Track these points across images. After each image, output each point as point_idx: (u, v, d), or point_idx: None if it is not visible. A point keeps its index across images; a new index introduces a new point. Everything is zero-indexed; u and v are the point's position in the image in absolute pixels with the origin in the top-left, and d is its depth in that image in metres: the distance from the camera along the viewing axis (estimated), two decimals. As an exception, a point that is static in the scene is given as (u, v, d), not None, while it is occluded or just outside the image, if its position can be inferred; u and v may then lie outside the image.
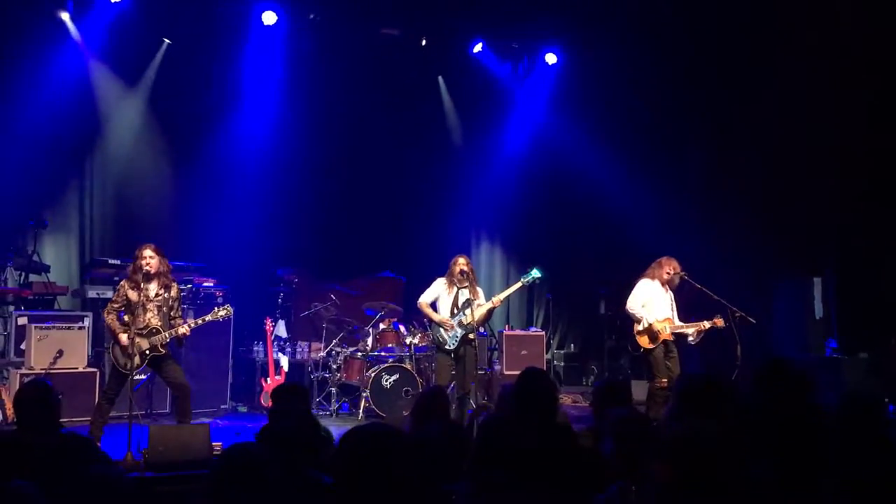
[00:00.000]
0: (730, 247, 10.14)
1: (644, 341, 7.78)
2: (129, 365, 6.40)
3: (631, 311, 7.88)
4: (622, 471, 3.20)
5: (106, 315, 6.66)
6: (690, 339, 7.87)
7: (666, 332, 7.72)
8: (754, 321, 7.78)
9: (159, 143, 10.32)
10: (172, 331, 6.61)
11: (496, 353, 10.68)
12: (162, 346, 6.59)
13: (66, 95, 9.54)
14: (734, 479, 2.65)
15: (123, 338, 6.44)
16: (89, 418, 6.73)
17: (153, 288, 6.63)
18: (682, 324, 7.87)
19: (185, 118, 10.33)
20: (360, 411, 8.82)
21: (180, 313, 6.89)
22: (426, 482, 3.33)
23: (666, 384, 7.48)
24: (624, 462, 3.21)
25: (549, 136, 11.87)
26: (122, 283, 6.76)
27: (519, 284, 7.75)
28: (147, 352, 6.56)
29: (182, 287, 8.94)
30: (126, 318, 6.58)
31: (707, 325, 7.73)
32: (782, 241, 9.88)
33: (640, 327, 7.79)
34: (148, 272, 6.56)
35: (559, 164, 11.82)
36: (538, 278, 7.74)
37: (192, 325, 6.73)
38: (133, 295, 6.57)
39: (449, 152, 12.09)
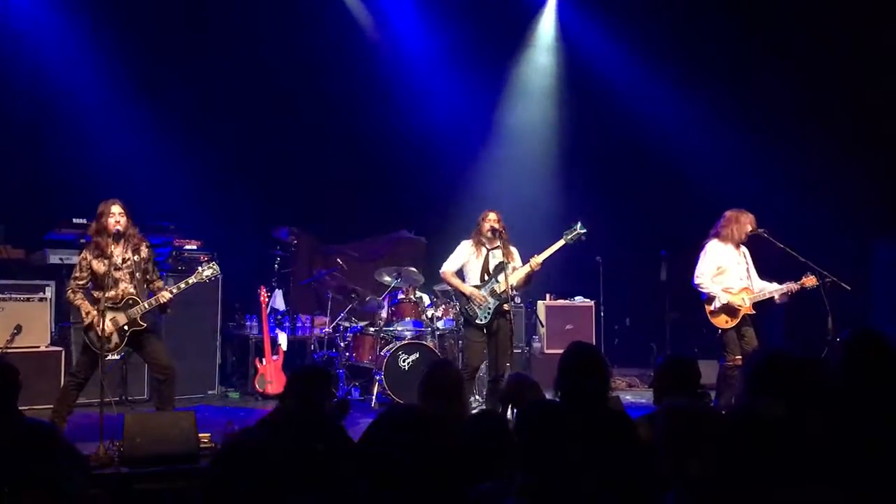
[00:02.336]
0: (820, 196, 10.01)
1: (721, 321, 7.74)
2: (107, 346, 6.47)
3: (702, 289, 7.81)
4: (674, 474, 3.16)
5: (72, 295, 6.65)
6: (778, 299, 7.85)
7: (746, 306, 7.68)
8: (848, 288, 7.70)
9: (130, 77, 10.29)
10: (152, 299, 6.66)
11: (537, 327, 10.69)
12: (142, 318, 6.65)
13: (16, 19, 9.52)
14: (805, 474, 2.59)
15: (95, 320, 6.47)
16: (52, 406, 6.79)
17: (119, 253, 6.66)
18: (763, 289, 7.82)
19: (159, 45, 10.30)
20: (373, 397, 8.87)
21: (158, 274, 6.97)
22: (456, 481, 3.34)
23: (741, 361, 7.47)
24: (675, 463, 3.18)
25: (597, 62, 11.76)
26: (82, 253, 6.77)
27: (561, 242, 7.66)
28: (126, 327, 6.61)
29: (160, 251, 9.04)
30: (95, 293, 6.62)
31: (796, 286, 7.70)
32: (884, 188, 9.72)
33: (714, 306, 7.74)
34: (119, 232, 6.59)
35: (608, 94, 11.71)
36: (583, 234, 7.67)
37: (175, 291, 6.78)
38: (98, 265, 6.60)
39: (476, 84, 11.99)
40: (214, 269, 6.98)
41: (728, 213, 7.93)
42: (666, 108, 11.37)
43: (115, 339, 6.58)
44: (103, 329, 6.40)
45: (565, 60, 12.18)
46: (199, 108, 10.41)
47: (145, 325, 6.67)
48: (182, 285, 6.86)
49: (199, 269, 6.97)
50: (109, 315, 6.50)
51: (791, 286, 7.73)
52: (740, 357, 7.54)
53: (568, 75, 12.09)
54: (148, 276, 6.81)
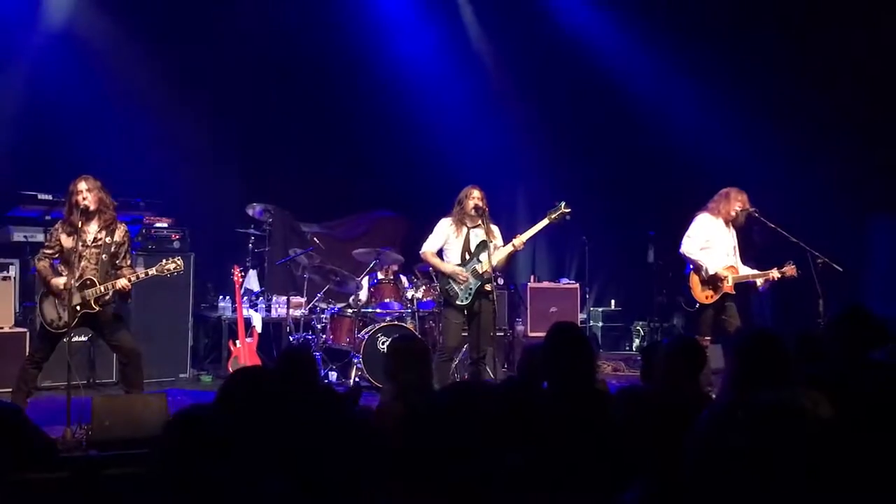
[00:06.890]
0: (814, 171, 10.06)
1: (703, 296, 7.84)
2: (56, 323, 6.48)
3: (689, 257, 7.90)
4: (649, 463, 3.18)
5: (37, 262, 6.66)
6: (760, 286, 7.99)
7: (728, 284, 7.77)
8: (840, 269, 7.78)
9: (99, 48, 10.20)
10: (108, 284, 6.56)
11: (519, 309, 10.73)
12: (96, 302, 6.54)
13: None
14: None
15: (59, 281, 6.46)
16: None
17: (92, 231, 6.62)
18: (748, 272, 7.93)
19: (130, 15, 10.19)
20: (351, 381, 8.89)
21: (129, 261, 6.86)
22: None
23: (709, 343, 7.65)
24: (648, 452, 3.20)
25: (582, 33, 11.76)
26: (55, 225, 6.77)
27: (545, 221, 7.66)
28: (78, 307, 6.49)
29: (129, 229, 8.98)
30: (60, 268, 6.60)
31: (776, 274, 7.82)
32: (882, 160, 9.76)
33: (703, 275, 7.82)
34: (87, 208, 6.55)
35: (598, 70, 11.71)
36: (567, 214, 7.68)
37: (133, 280, 6.65)
38: (67, 240, 6.57)
39: (461, 58, 11.99)
40: (178, 264, 6.83)
41: (723, 190, 8.05)
42: (654, 83, 11.41)
43: (64, 316, 6.53)
44: (68, 300, 6.36)
45: (550, 33, 12.15)
46: (170, 81, 10.32)
47: (98, 308, 6.58)
48: (141, 275, 6.75)
49: (163, 261, 6.81)
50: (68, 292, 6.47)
51: (772, 274, 7.84)
52: (709, 339, 7.76)
53: (554, 48, 12.06)
54: (118, 262, 6.70)
